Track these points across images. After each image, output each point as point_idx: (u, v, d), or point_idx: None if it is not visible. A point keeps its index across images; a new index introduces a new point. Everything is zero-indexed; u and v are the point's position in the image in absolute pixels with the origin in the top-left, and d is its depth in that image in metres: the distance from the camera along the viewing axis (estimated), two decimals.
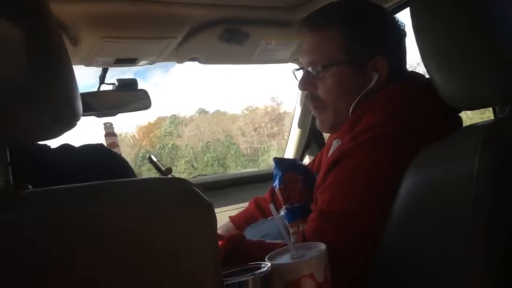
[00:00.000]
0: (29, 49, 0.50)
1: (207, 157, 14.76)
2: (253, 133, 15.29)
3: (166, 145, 15.55)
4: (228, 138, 15.32)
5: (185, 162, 14.58)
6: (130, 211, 0.55)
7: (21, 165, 0.56)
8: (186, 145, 15.50)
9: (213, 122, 16.22)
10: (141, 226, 0.55)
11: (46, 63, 0.52)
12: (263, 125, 15.09)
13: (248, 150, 14.99)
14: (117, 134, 1.63)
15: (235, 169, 13.95)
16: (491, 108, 0.92)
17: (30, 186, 0.55)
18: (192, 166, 14.50)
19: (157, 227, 0.55)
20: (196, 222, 0.58)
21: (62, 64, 0.54)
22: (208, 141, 15.46)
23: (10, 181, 0.54)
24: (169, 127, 16.50)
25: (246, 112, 16.23)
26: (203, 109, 16.86)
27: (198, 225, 0.58)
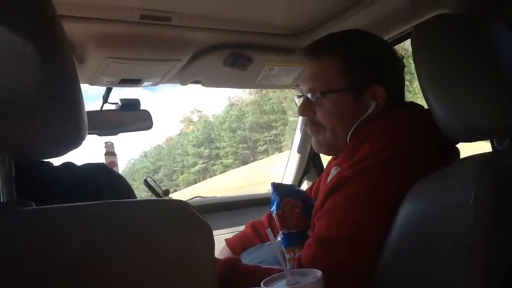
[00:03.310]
0: (40, 65, 0.51)
1: None
2: None
3: None
4: None
5: None
6: (127, 232, 0.54)
7: (23, 182, 0.57)
8: None
9: None
10: (138, 247, 0.54)
11: (57, 80, 0.52)
12: None
13: None
14: None
15: None
16: None
17: (33, 204, 0.55)
18: None
19: (154, 248, 0.55)
20: (193, 243, 0.58)
21: (71, 82, 0.54)
22: None
23: (14, 197, 0.54)
24: None
25: None
26: None
27: (195, 247, 0.58)
